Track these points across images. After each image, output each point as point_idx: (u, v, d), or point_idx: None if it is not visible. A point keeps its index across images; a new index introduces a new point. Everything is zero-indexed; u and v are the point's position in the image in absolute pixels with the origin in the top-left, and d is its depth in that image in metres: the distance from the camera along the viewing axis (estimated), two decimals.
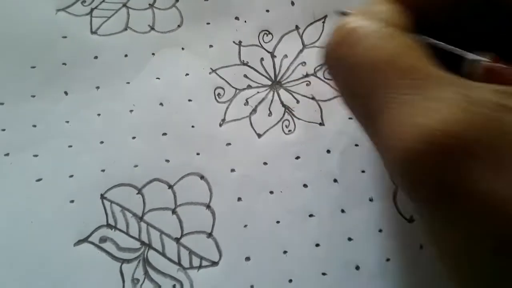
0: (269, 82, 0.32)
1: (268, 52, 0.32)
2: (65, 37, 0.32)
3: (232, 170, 0.30)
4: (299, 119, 0.31)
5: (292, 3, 0.33)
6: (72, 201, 0.29)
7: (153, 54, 0.32)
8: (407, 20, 0.21)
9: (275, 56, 0.32)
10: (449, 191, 0.16)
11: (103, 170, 0.30)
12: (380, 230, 0.29)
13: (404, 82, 0.17)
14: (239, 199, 0.29)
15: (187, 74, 0.32)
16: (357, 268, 0.28)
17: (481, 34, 0.21)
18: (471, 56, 0.20)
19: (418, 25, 0.21)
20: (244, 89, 0.32)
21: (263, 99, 0.31)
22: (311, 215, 0.29)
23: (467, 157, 0.15)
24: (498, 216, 0.15)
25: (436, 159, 0.16)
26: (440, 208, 0.16)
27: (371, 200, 0.29)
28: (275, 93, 0.31)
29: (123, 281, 0.28)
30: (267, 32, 0.33)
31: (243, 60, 0.32)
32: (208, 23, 0.33)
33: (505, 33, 0.21)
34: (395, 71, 0.18)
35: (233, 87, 0.32)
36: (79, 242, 0.29)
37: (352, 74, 0.19)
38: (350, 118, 0.31)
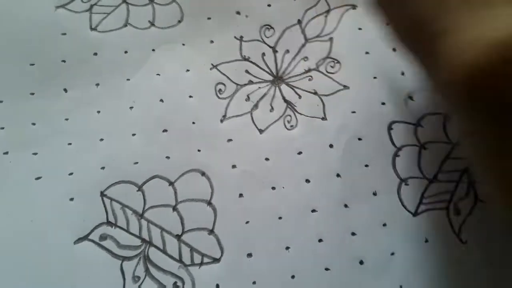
0: (271, 78, 0.31)
1: (270, 47, 0.32)
2: (65, 34, 0.32)
3: (234, 166, 0.30)
4: (301, 114, 0.31)
5: None
6: (72, 199, 0.29)
7: (153, 50, 0.32)
8: None
9: (277, 51, 0.32)
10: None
11: (103, 168, 0.30)
12: (384, 224, 0.28)
13: (475, 1, 0.17)
14: (241, 195, 0.29)
15: (187, 70, 0.32)
16: (361, 263, 0.28)
17: None
18: None
19: None
20: (245, 84, 0.31)
21: (264, 95, 0.31)
22: (313, 211, 0.29)
23: None
24: None
25: (500, 71, 0.15)
26: (502, 123, 0.16)
27: (374, 194, 0.29)
28: (277, 89, 0.31)
29: (124, 279, 0.27)
30: (269, 27, 0.32)
31: (244, 56, 0.32)
32: (209, 18, 0.33)
33: None
34: None
35: (234, 82, 0.31)
36: (79, 240, 0.28)
37: (414, 2, 0.19)
38: (353, 112, 0.30)
